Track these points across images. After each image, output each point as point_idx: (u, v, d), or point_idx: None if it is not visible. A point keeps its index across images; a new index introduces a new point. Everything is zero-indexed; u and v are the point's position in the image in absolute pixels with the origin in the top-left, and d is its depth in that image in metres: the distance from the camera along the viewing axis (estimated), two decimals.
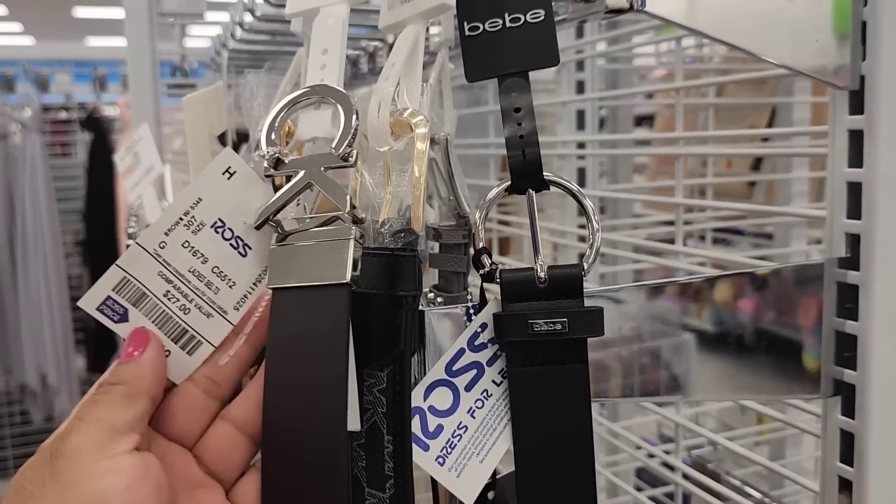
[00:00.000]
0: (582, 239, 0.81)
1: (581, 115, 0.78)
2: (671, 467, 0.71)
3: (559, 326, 0.37)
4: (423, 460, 0.38)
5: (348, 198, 0.35)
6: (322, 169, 0.36)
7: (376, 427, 0.37)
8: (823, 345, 0.48)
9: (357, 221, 0.36)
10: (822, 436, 0.49)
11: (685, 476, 0.71)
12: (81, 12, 4.97)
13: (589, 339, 0.39)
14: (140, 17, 1.10)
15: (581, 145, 0.78)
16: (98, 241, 2.65)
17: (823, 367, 0.48)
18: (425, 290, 0.47)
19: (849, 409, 0.48)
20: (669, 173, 1.28)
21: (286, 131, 0.40)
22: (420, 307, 0.40)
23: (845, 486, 0.49)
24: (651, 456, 0.81)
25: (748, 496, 0.90)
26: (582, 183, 0.79)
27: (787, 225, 0.95)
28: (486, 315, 0.39)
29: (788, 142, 0.86)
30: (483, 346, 0.40)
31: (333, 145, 0.36)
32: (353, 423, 0.37)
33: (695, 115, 0.99)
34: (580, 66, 0.77)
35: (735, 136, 0.91)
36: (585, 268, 0.38)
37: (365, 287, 0.36)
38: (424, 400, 0.39)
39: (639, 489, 1.04)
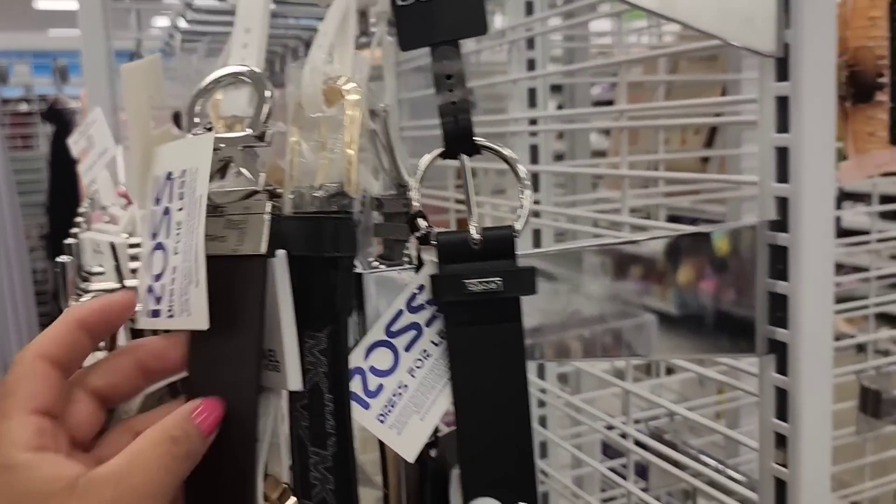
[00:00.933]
0: (536, 215, 0.83)
1: (532, 93, 0.79)
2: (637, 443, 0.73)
3: (494, 286, 0.38)
4: (364, 418, 0.40)
5: (262, 176, 0.36)
6: (240, 147, 0.37)
7: (317, 387, 0.38)
8: (757, 305, 0.49)
9: (274, 196, 0.37)
10: (759, 394, 0.51)
11: (643, 446, 0.73)
12: (43, 4, 4.88)
13: (528, 307, 0.40)
14: (94, 4, 1.09)
15: (534, 122, 0.79)
16: (63, 234, 2.62)
17: (758, 326, 0.49)
18: (371, 259, 0.48)
19: (782, 367, 0.50)
20: (631, 153, 1.30)
21: (216, 110, 0.41)
22: (360, 272, 0.41)
23: (781, 441, 0.51)
24: (610, 428, 0.83)
25: (704, 464, 0.92)
26: (535, 160, 0.81)
27: (739, 202, 0.97)
28: (423, 277, 0.40)
29: (736, 117, 0.88)
30: (421, 308, 0.41)
31: (248, 125, 0.37)
32: (295, 383, 0.38)
33: (650, 97, 1.01)
34: (531, 44, 0.78)
35: (684, 112, 0.93)
36: (518, 228, 0.39)
37: (301, 250, 0.37)
38: (365, 360, 0.40)
39: (611, 470, 1.06)
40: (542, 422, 0.87)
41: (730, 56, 0.94)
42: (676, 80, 1.05)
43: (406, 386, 0.40)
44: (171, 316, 0.37)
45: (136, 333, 0.46)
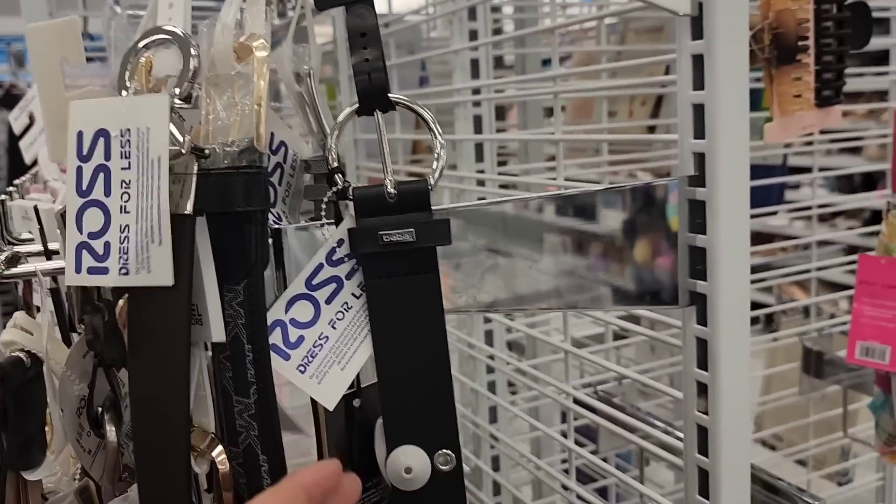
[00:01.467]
0: (480, 184, 0.84)
1: (475, 64, 0.80)
2: (584, 406, 0.75)
3: (408, 237, 0.39)
4: (285, 369, 0.41)
5: (186, 137, 0.37)
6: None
7: (238, 338, 0.39)
8: (679, 259, 0.51)
9: (200, 156, 0.38)
10: (683, 345, 0.53)
11: (594, 410, 0.75)
12: None
13: (447, 257, 0.41)
14: None
15: (476, 92, 0.80)
16: None
17: (679, 279, 0.51)
18: (302, 220, 0.49)
19: (702, 318, 0.52)
20: (585, 122, 1.32)
21: (148, 70, 0.41)
22: (279, 226, 0.41)
23: (703, 390, 0.53)
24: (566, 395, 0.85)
25: (652, 425, 0.95)
26: (479, 129, 0.82)
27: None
28: (342, 231, 0.41)
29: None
30: (341, 261, 0.42)
31: (174, 86, 0.38)
32: (218, 335, 0.39)
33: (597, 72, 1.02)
34: (472, 15, 0.79)
35: (629, 86, 0.95)
36: (432, 182, 0.40)
37: (215, 207, 0.38)
38: (286, 313, 0.41)
39: (563, 434, 1.08)
40: (492, 387, 0.89)
41: (672, 27, 0.95)
42: (624, 52, 1.07)
43: (327, 337, 0.41)
44: (125, 273, 0.37)
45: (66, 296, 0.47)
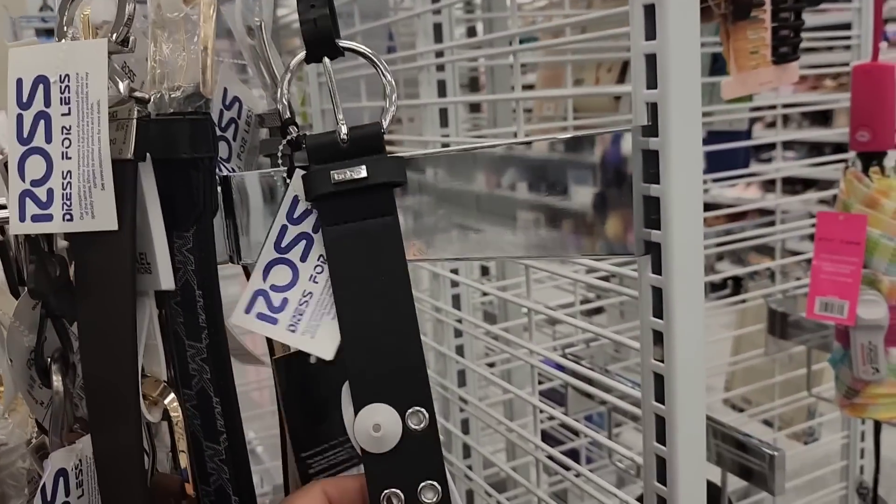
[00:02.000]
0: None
1: (438, 28, 0.80)
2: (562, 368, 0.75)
3: (360, 174, 0.39)
4: (276, 333, 0.40)
5: (125, 82, 0.37)
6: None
7: (188, 284, 0.39)
8: (634, 208, 0.51)
9: (140, 101, 0.38)
10: (639, 295, 0.54)
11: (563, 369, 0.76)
12: None
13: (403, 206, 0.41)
14: None
15: (440, 55, 0.80)
16: None
17: (635, 229, 0.52)
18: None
19: (657, 268, 0.52)
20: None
21: (86, 17, 0.41)
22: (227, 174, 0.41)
23: (658, 339, 0.53)
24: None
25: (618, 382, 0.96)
26: (443, 93, 0.82)
27: None
28: (296, 188, 0.40)
29: None
30: (303, 217, 0.41)
31: (111, 32, 0.37)
32: (168, 282, 0.39)
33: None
34: None
35: (590, 48, 0.95)
36: (384, 124, 0.40)
37: (162, 153, 0.38)
38: (264, 281, 0.40)
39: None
40: (460, 351, 0.89)
41: None
42: (590, 20, 1.07)
43: (310, 293, 0.40)
44: (69, 219, 0.37)
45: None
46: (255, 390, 1.27)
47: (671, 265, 0.51)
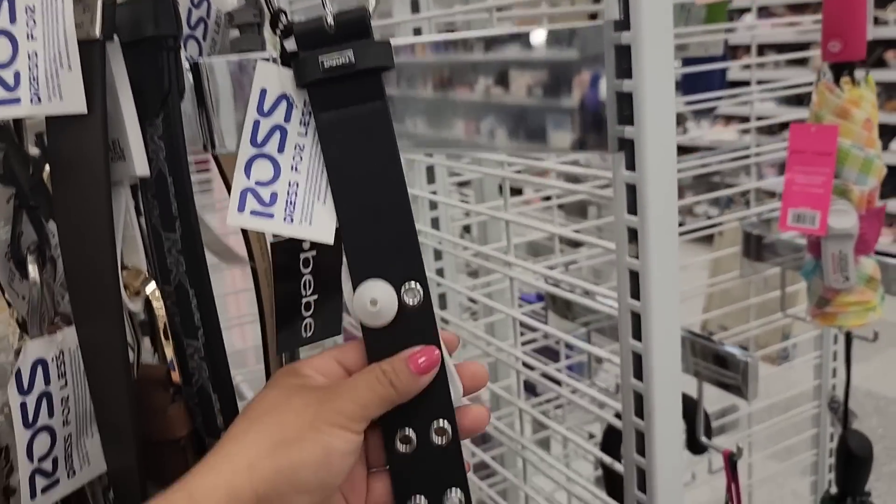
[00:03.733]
0: None
1: (415, 1, 0.79)
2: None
3: (347, 59, 0.39)
4: (275, 227, 0.40)
5: None
6: None
7: (161, 174, 0.39)
8: (607, 105, 0.52)
9: None
10: (614, 192, 0.54)
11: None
12: None
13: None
14: None
15: (417, 31, 0.80)
16: None
17: (609, 126, 0.52)
18: None
19: (631, 164, 0.53)
20: None
21: None
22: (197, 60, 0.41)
23: (633, 235, 0.54)
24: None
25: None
26: (416, 9, 0.81)
27: None
28: (262, 80, 0.40)
29: None
30: (273, 108, 0.41)
31: None
32: (142, 168, 0.39)
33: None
34: None
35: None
36: (370, 9, 0.40)
37: (128, 36, 0.37)
38: (248, 178, 0.40)
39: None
40: (441, 274, 0.90)
41: None
42: None
43: (297, 183, 0.41)
44: (37, 102, 0.37)
45: None
46: (237, 326, 1.28)
47: (645, 160, 0.51)
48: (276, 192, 0.41)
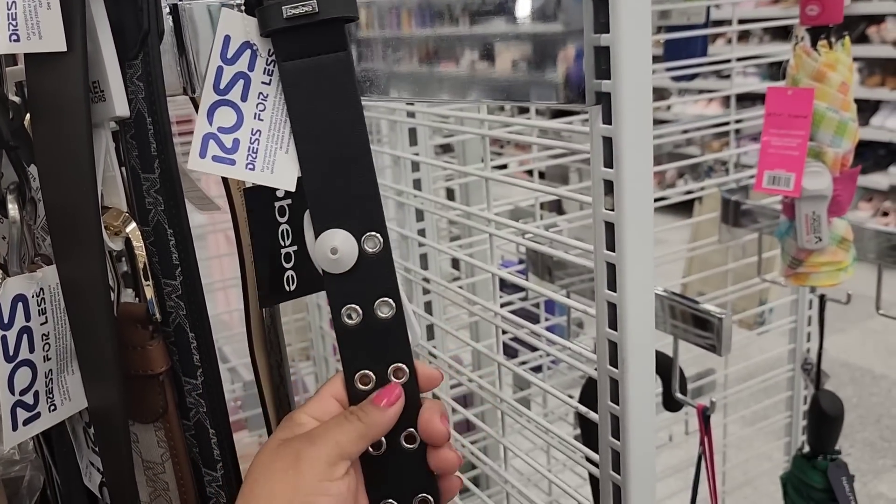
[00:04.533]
0: None
1: None
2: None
3: (309, 9, 0.40)
4: (235, 172, 0.41)
5: None
6: None
7: (140, 114, 0.39)
8: (585, 59, 0.52)
9: None
10: (591, 146, 0.55)
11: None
12: None
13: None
14: None
15: None
16: None
17: (587, 80, 0.53)
18: None
19: (608, 117, 0.54)
20: None
21: None
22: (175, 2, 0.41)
23: (609, 188, 0.55)
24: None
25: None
26: None
27: None
28: (225, 27, 0.41)
29: None
30: (237, 56, 0.42)
31: None
32: (123, 108, 0.39)
33: None
34: None
35: None
36: None
37: None
38: (211, 125, 0.41)
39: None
40: (428, 308, 0.91)
41: None
42: None
43: (259, 130, 0.42)
44: (15, 40, 0.37)
45: None
46: (225, 313, 1.29)
47: (621, 114, 0.52)
48: (239, 138, 0.42)
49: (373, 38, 0.47)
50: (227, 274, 1.24)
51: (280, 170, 0.42)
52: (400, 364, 0.43)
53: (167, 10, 0.41)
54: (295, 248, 0.49)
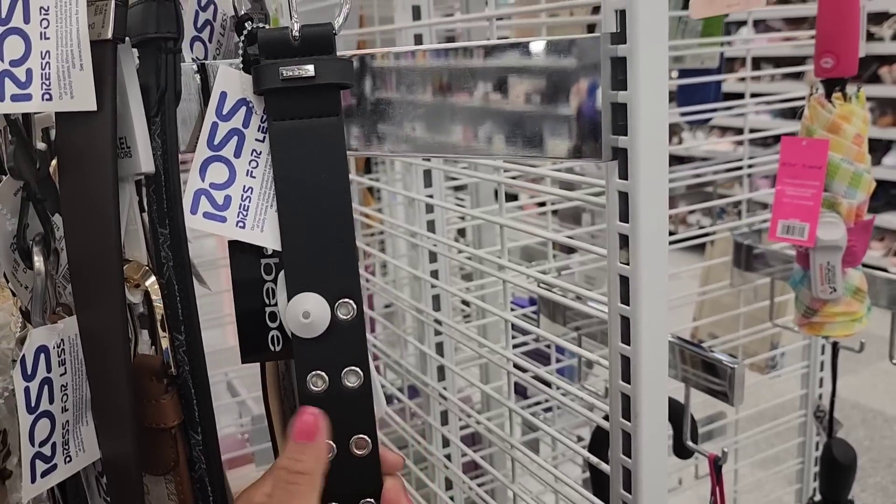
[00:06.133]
0: None
1: (417, 10, 0.80)
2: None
3: (307, 73, 0.40)
4: (227, 230, 0.42)
5: None
6: None
7: (158, 171, 0.40)
8: (602, 115, 0.53)
9: None
10: (607, 200, 0.56)
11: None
12: None
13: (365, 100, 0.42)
14: None
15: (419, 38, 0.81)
16: None
17: (603, 135, 0.53)
18: None
19: (624, 173, 0.54)
20: None
21: None
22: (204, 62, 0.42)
23: (624, 242, 0.56)
24: None
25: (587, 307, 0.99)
26: (419, 44, 0.83)
27: None
28: (223, 83, 0.42)
29: None
30: (232, 113, 0.42)
31: None
32: (148, 165, 0.40)
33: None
34: None
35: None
36: (336, 26, 0.41)
37: (135, 35, 0.38)
38: (203, 181, 0.42)
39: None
40: (439, 349, 0.92)
41: None
42: None
43: (251, 188, 0.42)
44: (48, 99, 0.38)
45: None
46: (231, 323, 1.29)
47: (638, 170, 0.53)
48: (231, 196, 0.42)
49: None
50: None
51: (270, 228, 0.42)
52: (363, 435, 0.43)
53: (195, 68, 0.42)
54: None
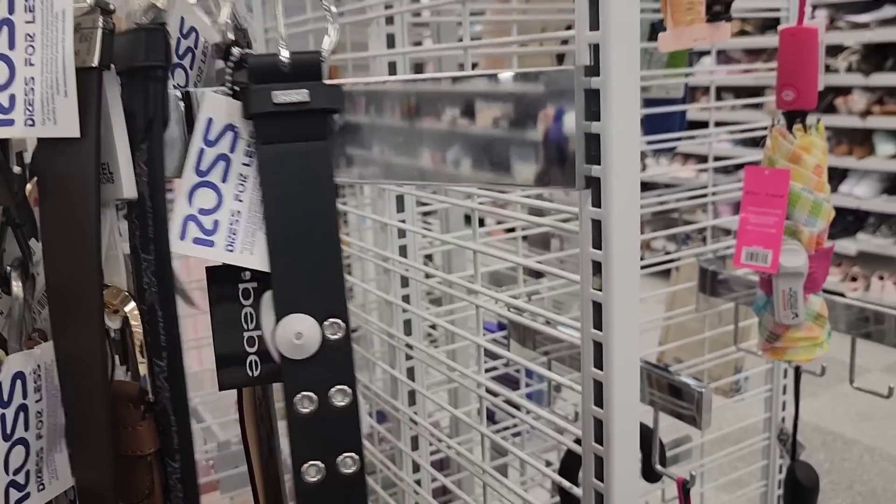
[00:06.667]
0: None
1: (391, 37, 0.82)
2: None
3: (300, 98, 0.41)
4: (216, 255, 0.42)
5: None
6: None
7: (143, 198, 0.40)
8: (576, 145, 0.54)
9: (105, 10, 0.38)
10: (580, 227, 0.57)
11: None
12: None
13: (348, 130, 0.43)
14: None
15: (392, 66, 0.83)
16: None
17: (577, 165, 0.55)
18: None
19: (597, 201, 0.55)
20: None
21: None
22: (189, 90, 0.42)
23: (597, 268, 0.57)
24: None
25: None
26: (393, 71, 0.84)
27: None
28: (209, 109, 0.42)
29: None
30: (219, 138, 0.43)
31: None
32: (130, 191, 0.40)
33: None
34: None
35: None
36: (323, 53, 0.42)
37: (122, 64, 0.39)
38: (190, 205, 0.42)
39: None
40: (410, 373, 0.92)
41: None
42: (529, 9, 1.11)
43: (239, 212, 0.43)
44: (31, 125, 0.38)
45: None
46: (194, 348, 1.28)
47: (610, 198, 0.54)
48: (219, 220, 0.42)
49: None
50: (201, 332, 1.23)
51: (259, 252, 0.43)
52: (351, 453, 0.43)
53: (179, 95, 0.43)
54: (259, 332, 0.48)
